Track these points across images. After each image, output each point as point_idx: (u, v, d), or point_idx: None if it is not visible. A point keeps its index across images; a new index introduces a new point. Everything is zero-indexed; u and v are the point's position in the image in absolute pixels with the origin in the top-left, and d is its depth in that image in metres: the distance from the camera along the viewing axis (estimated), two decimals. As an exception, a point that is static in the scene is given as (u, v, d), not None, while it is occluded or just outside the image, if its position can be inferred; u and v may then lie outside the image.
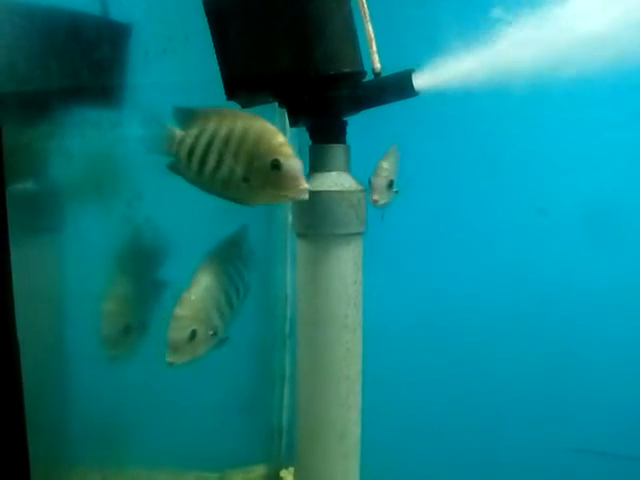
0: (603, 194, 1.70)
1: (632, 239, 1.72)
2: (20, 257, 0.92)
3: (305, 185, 1.08)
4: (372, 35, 1.17)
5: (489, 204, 1.79)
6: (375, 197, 1.22)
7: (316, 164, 1.22)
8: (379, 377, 1.45)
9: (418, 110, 1.23)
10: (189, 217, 1.45)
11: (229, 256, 1.25)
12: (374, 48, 1.17)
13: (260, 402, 1.96)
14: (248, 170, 1.11)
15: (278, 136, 1.10)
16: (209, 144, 1.13)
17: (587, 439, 1.78)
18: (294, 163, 1.08)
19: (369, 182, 1.24)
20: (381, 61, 1.17)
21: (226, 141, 1.12)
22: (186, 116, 1.16)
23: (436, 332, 1.81)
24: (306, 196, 1.08)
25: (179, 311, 1.13)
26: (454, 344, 1.81)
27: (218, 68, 1.16)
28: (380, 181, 1.23)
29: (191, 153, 1.14)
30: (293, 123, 1.25)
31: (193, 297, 1.16)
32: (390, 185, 1.25)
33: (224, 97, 1.18)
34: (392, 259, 1.76)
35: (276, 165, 1.08)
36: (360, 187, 1.22)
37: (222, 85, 1.17)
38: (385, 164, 1.25)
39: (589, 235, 1.71)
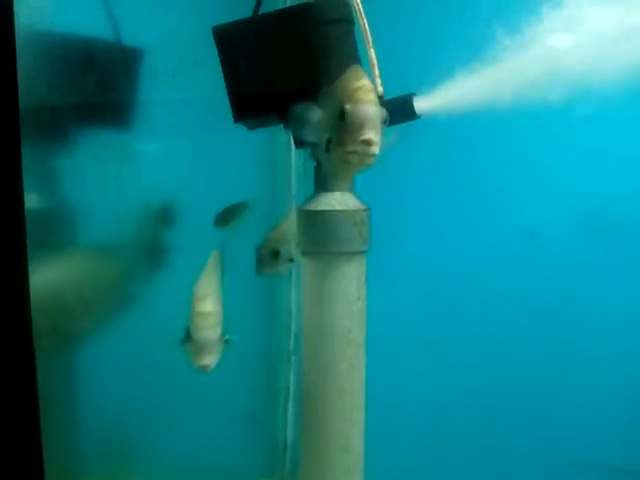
0: (598, 208, 1.73)
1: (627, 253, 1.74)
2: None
3: (369, 136, 0.88)
4: (375, 60, 1.21)
5: (487, 216, 1.81)
6: (258, 269, 1.23)
7: (321, 184, 1.26)
8: (383, 391, 1.47)
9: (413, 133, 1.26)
10: (193, 238, 1.47)
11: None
12: (377, 72, 1.21)
13: (264, 417, 1.98)
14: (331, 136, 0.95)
15: (358, 80, 0.94)
16: None
17: (587, 453, 1.79)
18: (363, 109, 0.89)
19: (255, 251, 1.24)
20: (383, 85, 1.21)
21: None
22: None
23: (439, 346, 1.83)
24: (373, 153, 0.90)
25: (207, 307, 1.05)
26: (456, 358, 1.84)
27: (225, 91, 1.21)
28: (263, 251, 1.25)
29: None
30: (298, 144, 1.29)
31: (214, 294, 1.08)
32: (275, 255, 1.25)
33: (231, 119, 1.23)
34: (396, 274, 1.80)
35: (342, 113, 0.90)
36: (363, 207, 1.25)
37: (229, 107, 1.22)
38: (273, 233, 1.28)
39: (585, 250, 1.74)
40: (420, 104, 1.19)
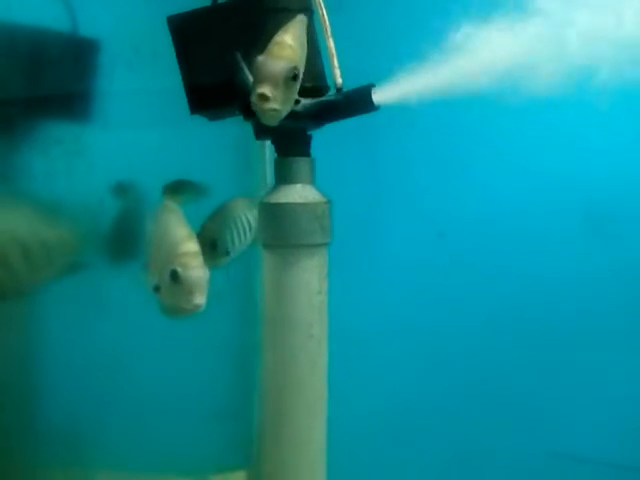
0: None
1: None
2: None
3: (263, 90, 0.92)
4: (334, 51, 1.19)
5: (467, 209, 1.81)
6: None
7: (281, 177, 1.24)
8: (348, 386, 1.47)
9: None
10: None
11: None
12: (336, 63, 1.19)
13: (240, 407, 1.98)
14: None
15: (281, 34, 0.98)
16: None
17: (569, 444, 1.79)
18: (268, 63, 0.94)
19: None
20: (343, 76, 1.19)
21: None
22: None
23: (416, 339, 1.83)
24: (267, 107, 0.94)
25: (193, 246, 1.00)
26: (434, 350, 1.83)
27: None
28: (200, 242, 1.13)
29: None
30: (258, 136, 1.27)
31: (193, 236, 1.03)
32: (214, 246, 1.22)
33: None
34: (368, 267, 1.80)
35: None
36: (324, 199, 1.24)
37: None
38: (210, 223, 1.23)
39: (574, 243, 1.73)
40: (380, 95, 1.17)
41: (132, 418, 1.64)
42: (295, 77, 0.96)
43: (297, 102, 1.04)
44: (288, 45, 0.98)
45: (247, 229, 1.34)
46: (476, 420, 1.79)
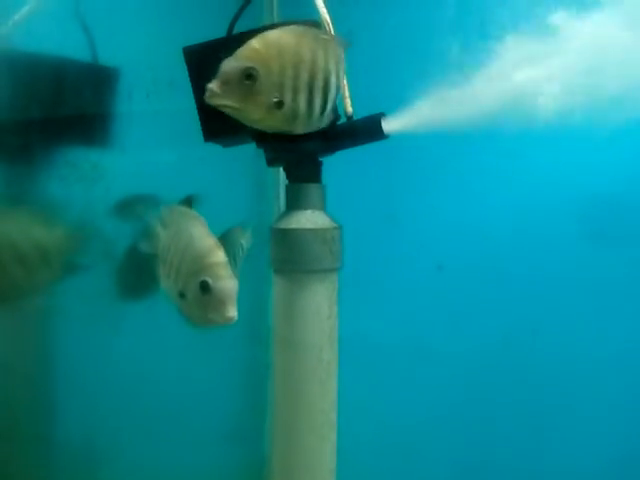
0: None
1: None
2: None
3: (211, 84, 0.97)
4: (344, 80, 1.22)
5: (472, 226, 1.81)
6: None
7: (292, 202, 1.27)
8: (358, 407, 1.48)
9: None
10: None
11: None
12: (346, 93, 1.22)
13: (251, 431, 1.98)
14: None
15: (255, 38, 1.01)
16: None
17: (580, 470, 1.78)
18: (225, 63, 0.98)
19: None
20: (353, 105, 1.22)
21: None
22: None
23: (423, 359, 1.83)
24: (212, 103, 0.98)
25: (222, 256, 0.98)
26: (440, 372, 1.83)
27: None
28: None
29: None
30: (270, 163, 1.30)
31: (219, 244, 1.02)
32: None
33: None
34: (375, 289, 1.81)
35: None
36: (334, 225, 1.26)
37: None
38: None
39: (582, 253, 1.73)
40: (390, 124, 1.19)
41: (143, 438, 1.65)
42: (250, 77, 0.98)
43: (281, 104, 1.05)
44: (251, 47, 1.01)
45: (240, 254, 1.39)
46: (484, 441, 1.78)
